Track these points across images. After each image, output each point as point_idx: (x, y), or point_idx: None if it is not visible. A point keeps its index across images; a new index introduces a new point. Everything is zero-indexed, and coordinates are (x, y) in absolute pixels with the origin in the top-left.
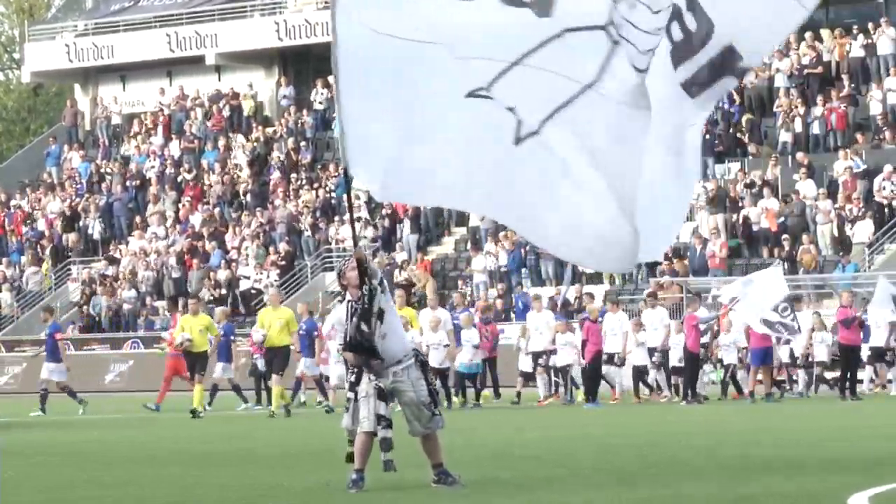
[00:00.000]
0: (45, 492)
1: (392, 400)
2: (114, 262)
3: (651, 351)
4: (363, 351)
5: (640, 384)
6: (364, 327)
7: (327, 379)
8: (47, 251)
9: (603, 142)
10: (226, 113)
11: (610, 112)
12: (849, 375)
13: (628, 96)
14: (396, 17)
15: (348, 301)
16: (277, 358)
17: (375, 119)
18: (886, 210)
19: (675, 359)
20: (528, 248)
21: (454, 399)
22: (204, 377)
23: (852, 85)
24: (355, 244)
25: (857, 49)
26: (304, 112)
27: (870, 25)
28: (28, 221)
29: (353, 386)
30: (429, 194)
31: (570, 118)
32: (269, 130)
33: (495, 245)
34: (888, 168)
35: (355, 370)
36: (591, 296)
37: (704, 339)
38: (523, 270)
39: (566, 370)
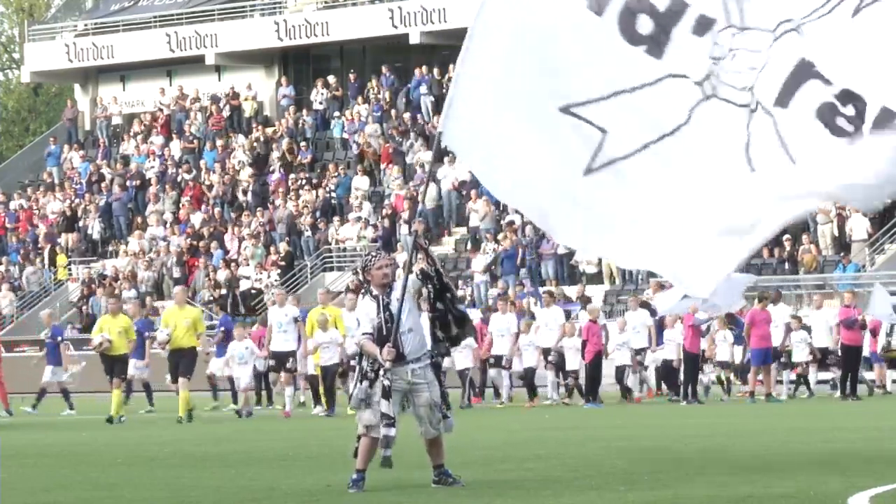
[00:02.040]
0: (40, 493)
1: (401, 402)
2: (114, 254)
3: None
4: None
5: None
6: (440, 304)
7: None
8: (46, 251)
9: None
10: (226, 113)
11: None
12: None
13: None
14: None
15: (376, 296)
16: (184, 359)
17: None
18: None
19: (573, 361)
20: (527, 247)
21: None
22: (123, 381)
23: None
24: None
25: None
26: (304, 112)
27: None
28: (30, 221)
29: (373, 383)
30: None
31: (659, 151)
32: (269, 130)
33: (496, 245)
34: None
35: (374, 366)
36: (588, 297)
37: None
38: (521, 271)
39: (464, 373)
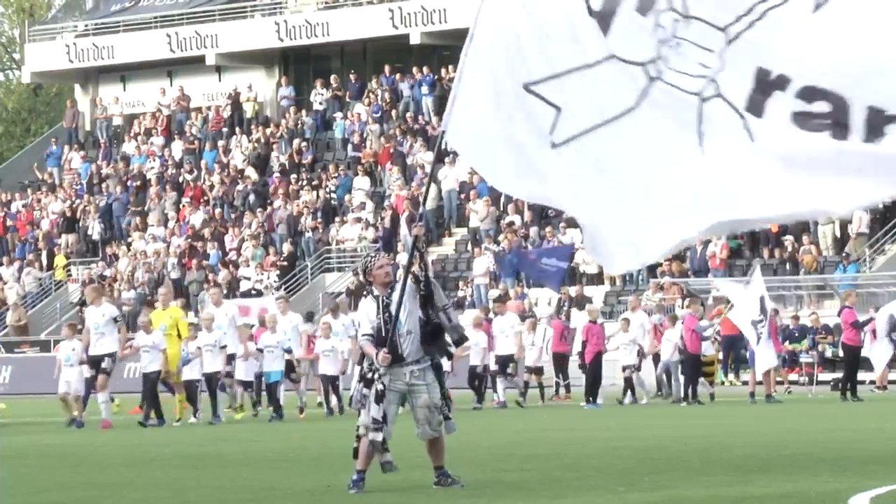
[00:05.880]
0: (40, 494)
1: (399, 402)
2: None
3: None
4: (430, 334)
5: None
6: (424, 315)
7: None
8: (44, 252)
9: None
10: (226, 113)
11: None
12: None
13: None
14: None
15: (377, 296)
16: None
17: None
18: (882, 206)
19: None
20: (528, 250)
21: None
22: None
23: None
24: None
25: None
26: (304, 113)
27: None
28: (31, 223)
29: (369, 384)
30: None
31: (604, 135)
32: (269, 131)
33: (496, 246)
34: None
35: (371, 369)
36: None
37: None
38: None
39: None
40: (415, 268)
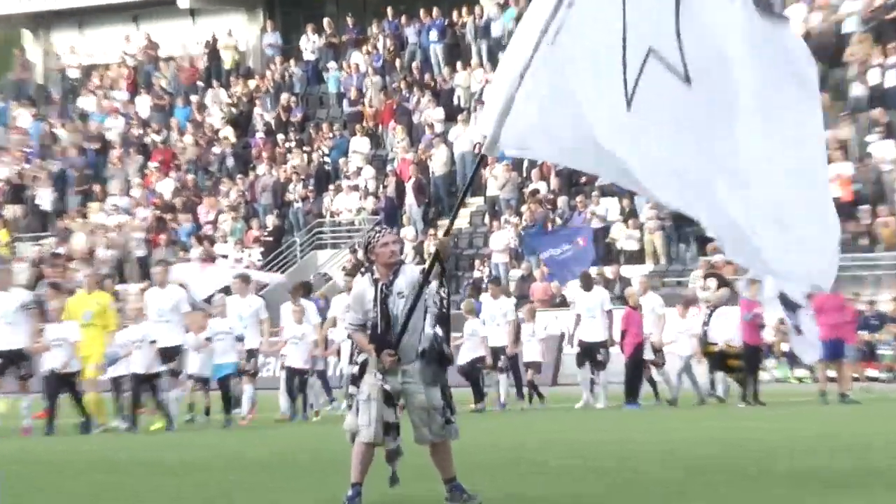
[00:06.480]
0: None
1: (398, 403)
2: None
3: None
4: (436, 360)
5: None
6: (439, 331)
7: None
8: None
9: None
10: (201, 64)
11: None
12: None
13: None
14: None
15: (377, 280)
16: None
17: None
18: None
19: None
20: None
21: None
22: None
23: None
24: (447, 232)
25: None
26: (293, 63)
27: None
28: None
29: (356, 380)
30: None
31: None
32: (252, 84)
33: (519, 219)
34: None
35: (359, 364)
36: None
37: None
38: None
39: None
40: (434, 283)
